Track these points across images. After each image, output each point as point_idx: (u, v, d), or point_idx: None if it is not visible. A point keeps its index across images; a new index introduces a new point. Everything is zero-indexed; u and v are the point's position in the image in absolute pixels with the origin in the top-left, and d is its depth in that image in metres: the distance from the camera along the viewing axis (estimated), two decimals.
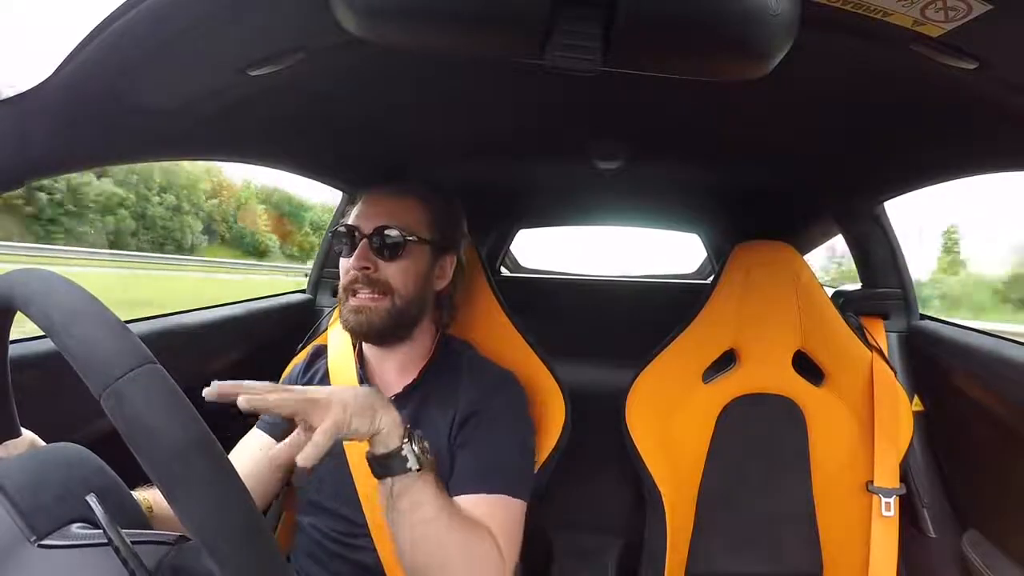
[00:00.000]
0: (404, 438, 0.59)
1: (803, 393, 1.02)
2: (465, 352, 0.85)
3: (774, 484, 1.02)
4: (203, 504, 0.31)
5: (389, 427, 0.59)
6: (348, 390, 0.59)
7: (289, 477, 0.83)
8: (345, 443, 0.78)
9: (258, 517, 0.33)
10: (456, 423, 0.76)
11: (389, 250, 0.77)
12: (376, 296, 0.76)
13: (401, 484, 0.59)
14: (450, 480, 0.73)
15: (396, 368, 0.82)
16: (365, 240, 0.77)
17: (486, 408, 0.77)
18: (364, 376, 0.82)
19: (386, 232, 0.77)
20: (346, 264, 0.79)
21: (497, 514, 0.70)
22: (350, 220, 0.80)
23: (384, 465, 0.59)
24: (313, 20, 0.53)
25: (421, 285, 0.80)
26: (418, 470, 0.59)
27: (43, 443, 0.55)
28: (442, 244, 0.83)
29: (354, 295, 0.77)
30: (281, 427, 0.83)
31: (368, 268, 0.76)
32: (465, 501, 0.70)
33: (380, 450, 0.59)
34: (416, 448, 0.60)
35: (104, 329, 0.34)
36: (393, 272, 0.77)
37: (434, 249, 0.82)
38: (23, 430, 0.55)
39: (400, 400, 0.79)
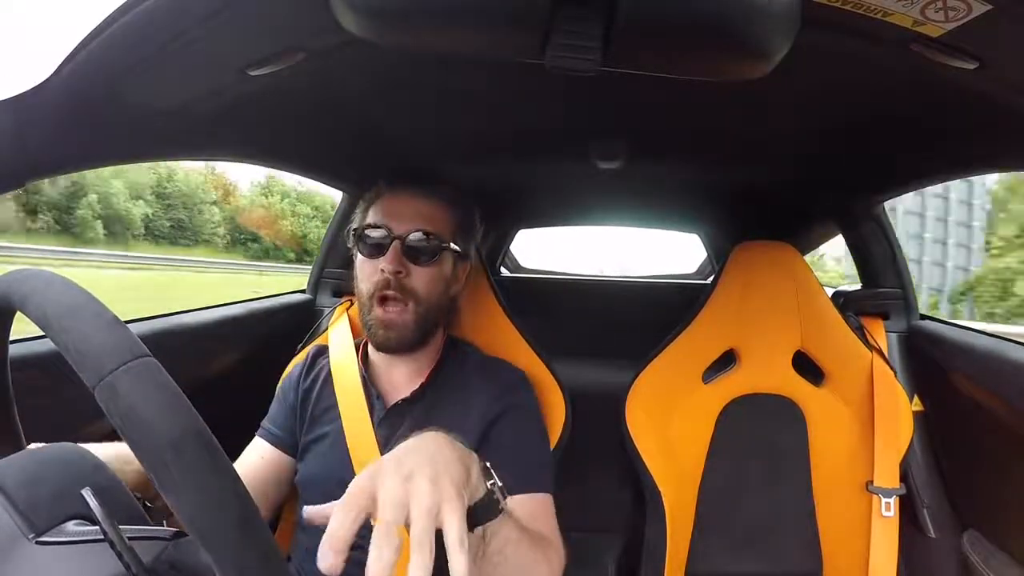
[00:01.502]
0: (488, 478, 0.47)
1: (803, 393, 1.02)
2: (471, 353, 0.85)
3: (774, 484, 1.02)
4: (197, 495, 0.31)
5: (473, 472, 0.45)
6: (390, 456, 0.43)
7: (292, 481, 0.83)
8: (349, 444, 0.77)
9: (253, 509, 0.33)
10: (479, 425, 0.75)
11: (423, 255, 0.75)
12: (404, 306, 0.74)
13: (494, 527, 0.48)
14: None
15: (406, 373, 0.81)
16: (398, 242, 0.74)
17: (512, 408, 0.77)
18: (367, 378, 0.82)
19: (422, 237, 0.75)
20: (371, 266, 0.76)
21: (544, 513, 0.70)
22: (378, 219, 0.77)
23: (474, 516, 0.45)
24: (313, 20, 0.53)
25: (443, 292, 0.79)
26: (503, 508, 0.48)
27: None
28: (464, 252, 0.82)
29: (382, 303, 0.74)
30: (281, 437, 0.82)
31: (401, 272, 0.74)
32: (511, 503, 0.68)
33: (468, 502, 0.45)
34: (498, 480, 0.48)
35: (99, 323, 0.35)
36: (422, 278, 0.75)
37: (456, 256, 0.81)
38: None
39: (408, 403, 0.79)
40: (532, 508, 0.69)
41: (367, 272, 0.76)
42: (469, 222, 0.84)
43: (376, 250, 0.76)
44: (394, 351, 0.78)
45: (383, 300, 0.74)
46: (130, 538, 0.36)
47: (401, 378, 0.82)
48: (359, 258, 0.79)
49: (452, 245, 0.78)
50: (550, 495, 0.73)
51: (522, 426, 0.77)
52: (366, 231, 0.77)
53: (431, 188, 0.80)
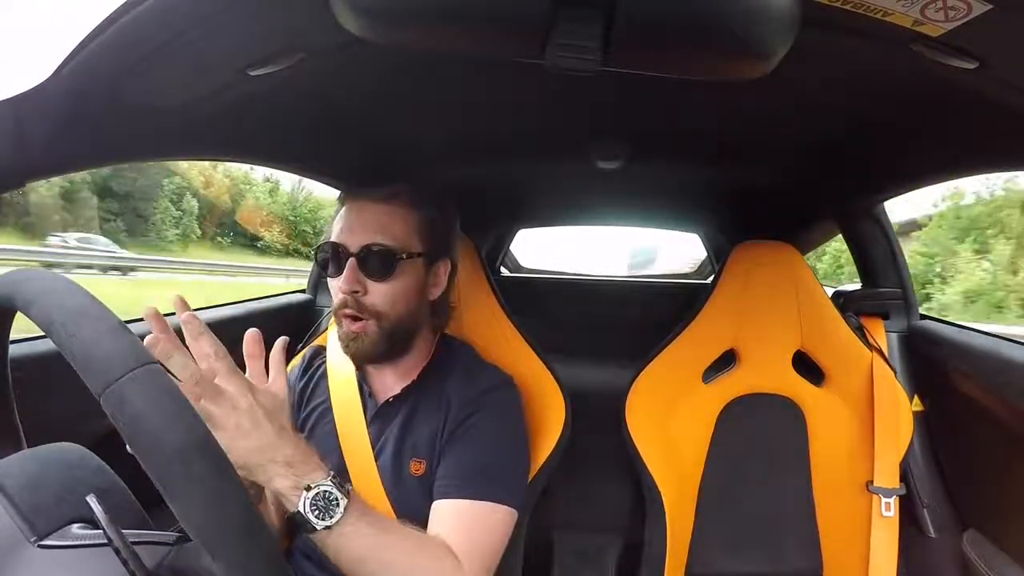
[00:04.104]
0: (300, 503, 0.55)
1: (803, 393, 1.02)
2: (464, 353, 0.85)
3: (774, 484, 1.02)
4: (203, 504, 0.31)
5: (283, 490, 0.55)
6: (265, 426, 0.55)
7: None
8: (342, 442, 0.78)
9: (257, 516, 0.33)
10: (449, 423, 0.75)
11: (380, 270, 0.72)
12: (366, 321, 0.73)
13: (317, 538, 0.56)
14: (436, 480, 0.72)
15: (396, 373, 0.81)
16: (353, 259, 0.71)
17: (479, 411, 0.75)
18: (362, 379, 0.82)
19: (376, 250, 0.71)
20: (334, 284, 0.74)
21: (480, 520, 0.68)
22: (334, 236, 0.74)
23: (296, 523, 0.56)
24: (313, 20, 0.53)
25: (414, 301, 0.76)
26: (327, 526, 0.55)
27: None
28: (436, 252, 0.78)
29: (347, 319, 0.74)
30: None
31: (358, 291, 0.72)
32: (450, 505, 0.69)
33: (288, 508, 0.56)
34: (318, 504, 0.55)
35: (105, 329, 0.34)
36: (384, 294, 0.73)
37: (427, 259, 0.77)
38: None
39: (398, 400, 0.79)
40: (464, 514, 0.68)
41: (333, 289, 0.75)
42: (438, 219, 0.79)
43: (334, 268, 0.73)
44: (364, 362, 0.77)
45: (346, 316, 0.73)
46: (133, 542, 0.36)
47: (391, 378, 0.82)
48: (327, 278, 0.77)
49: (414, 251, 0.74)
50: (501, 506, 0.69)
51: (485, 430, 0.73)
52: (324, 249, 0.75)
53: (387, 193, 0.75)
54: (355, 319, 0.73)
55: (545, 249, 2.56)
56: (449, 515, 0.68)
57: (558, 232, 2.35)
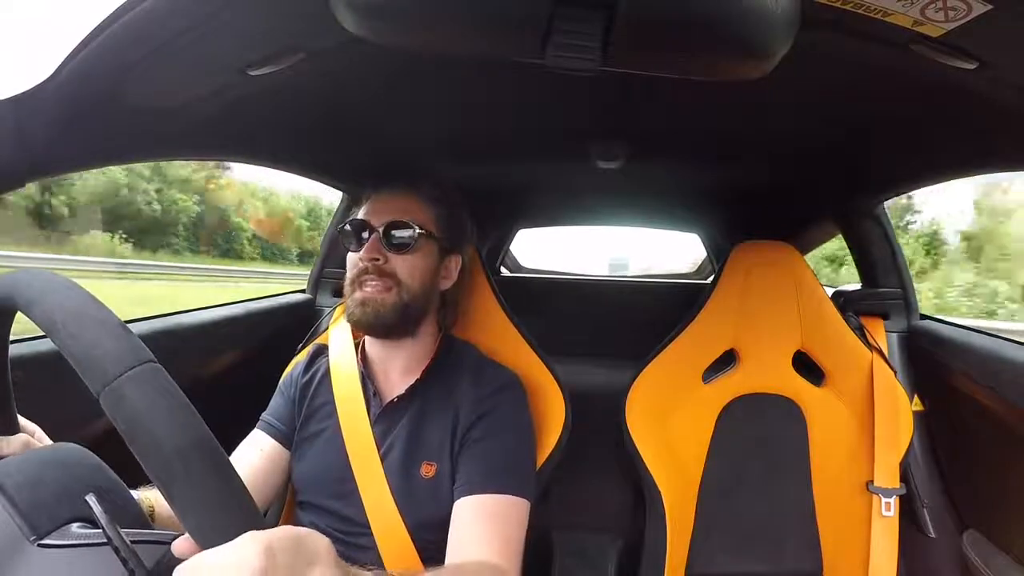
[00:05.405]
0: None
1: (803, 393, 1.02)
2: (468, 353, 0.85)
3: (774, 484, 1.02)
4: (202, 504, 0.31)
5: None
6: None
7: (289, 477, 0.83)
8: (346, 441, 0.78)
9: (257, 515, 0.33)
10: (461, 425, 0.76)
11: (400, 244, 0.78)
12: (383, 288, 0.77)
13: None
14: (456, 481, 0.73)
15: (400, 368, 0.82)
16: (376, 233, 0.78)
17: (492, 410, 0.77)
18: (366, 375, 0.82)
19: (397, 226, 0.78)
20: (355, 257, 0.79)
21: (505, 514, 0.71)
22: (360, 215, 0.81)
23: None
24: (313, 20, 0.53)
25: (428, 281, 0.81)
26: None
27: (39, 443, 0.54)
28: (449, 244, 0.83)
29: (361, 287, 0.77)
30: (282, 430, 0.83)
31: (378, 259, 0.77)
32: (476, 501, 0.71)
33: None
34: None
35: (104, 328, 0.34)
36: (402, 265, 0.78)
37: (441, 248, 0.82)
38: (29, 424, 0.55)
39: (403, 400, 0.79)
40: (496, 508, 0.70)
41: (351, 263, 0.80)
42: (453, 216, 0.85)
43: (358, 243, 0.80)
44: (371, 329, 0.79)
45: (363, 284, 0.77)
46: (133, 541, 0.36)
47: (396, 375, 0.82)
48: (348, 253, 0.82)
49: (431, 233, 0.80)
50: (521, 499, 0.73)
51: (500, 427, 0.77)
52: (348, 226, 0.81)
53: (411, 184, 0.83)
54: (372, 283, 0.77)
55: (534, 256, 2.59)
56: (479, 512, 0.70)
57: (546, 240, 2.35)
